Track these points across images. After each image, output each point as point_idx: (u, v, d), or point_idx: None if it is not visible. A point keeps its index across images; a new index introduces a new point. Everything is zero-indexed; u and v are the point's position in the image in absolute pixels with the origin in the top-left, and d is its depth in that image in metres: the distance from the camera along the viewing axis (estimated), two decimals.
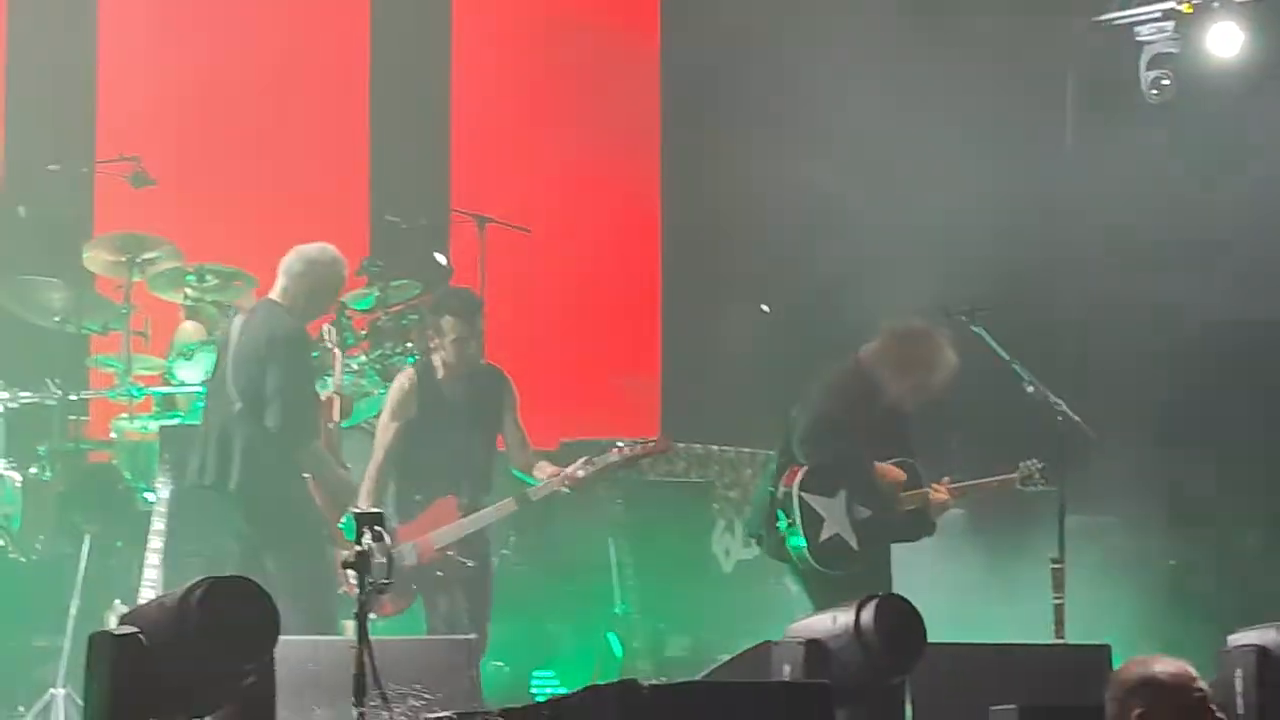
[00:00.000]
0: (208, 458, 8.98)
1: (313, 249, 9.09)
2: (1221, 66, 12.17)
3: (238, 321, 9.14)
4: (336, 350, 9.79)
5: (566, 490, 9.21)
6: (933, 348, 9.14)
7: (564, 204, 13.02)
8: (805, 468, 9.04)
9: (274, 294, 9.07)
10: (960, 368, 9.23)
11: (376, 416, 9.61)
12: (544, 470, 9.31)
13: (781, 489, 9.09)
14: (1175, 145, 12.27)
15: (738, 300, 13.19)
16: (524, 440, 9.44)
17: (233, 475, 8.87)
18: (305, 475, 8.91)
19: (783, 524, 9.07)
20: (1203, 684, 5.31)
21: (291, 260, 9.04)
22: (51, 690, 9.03)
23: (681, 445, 11.55)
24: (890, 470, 9.11)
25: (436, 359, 9.37)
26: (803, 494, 9.03)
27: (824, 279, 12.22)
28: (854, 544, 9.06)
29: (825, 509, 9.06)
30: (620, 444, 9.38)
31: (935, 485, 9.23)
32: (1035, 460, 9.30)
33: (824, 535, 9.03)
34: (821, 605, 8.19)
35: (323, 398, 9.42)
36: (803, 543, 9.01)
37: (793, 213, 12.58)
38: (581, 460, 9.29)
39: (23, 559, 9.77)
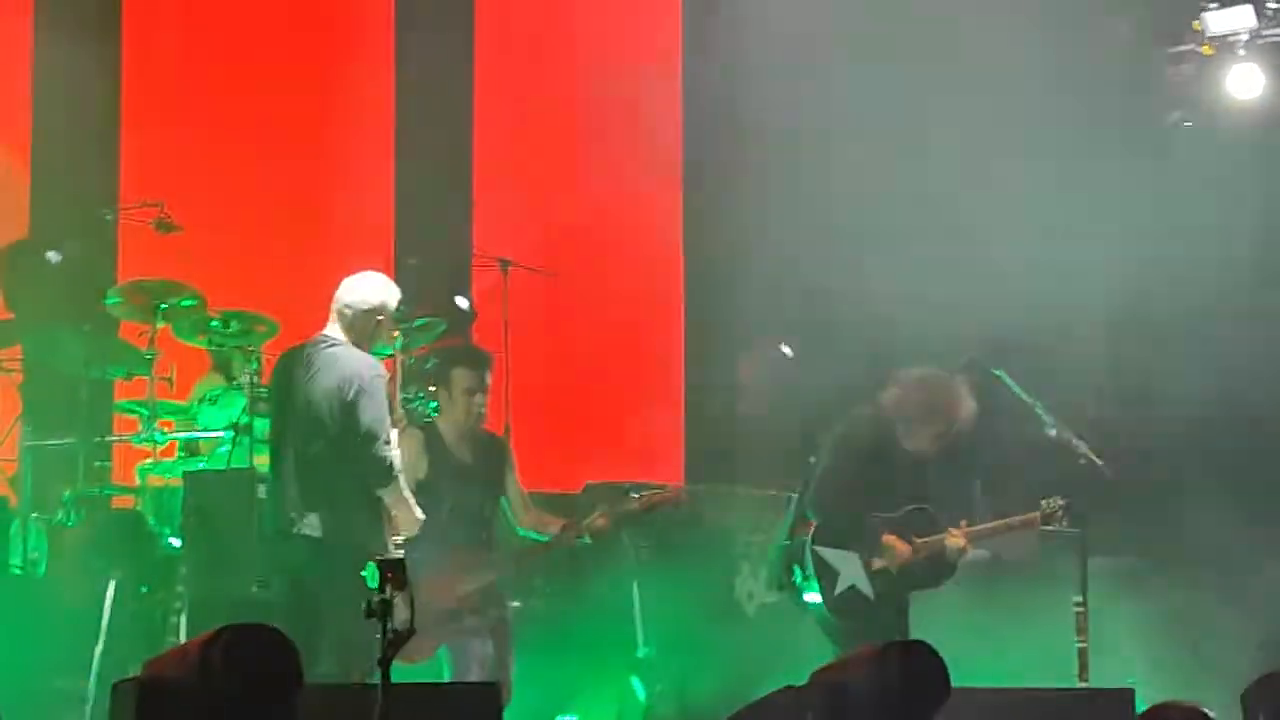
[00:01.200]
0: (285, 502, 8.73)
1: (360, 279, 8.89)
2: (1243, 108, 12.20)
3: (302, 360, 8.81)
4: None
5: (588, 541, 9.29)
6: (952, 396, 9.14)
7: (586, 246, 13.05)
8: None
9: (332, 330, 8.81)
10: (980, 412, 9.22)
11: None
12: (554, 525, 9.39)
13: (796, 540, 9.10)
14: (1199, 183, 12.28)
15: (761, 342, 13.21)
16: (526, 499, 9.51)
17: (317, 519, 8.62)
18: (384, 511, 8.69)
19: (798, 577, 9.08)
20: None
21: (345, 293, 8.82)
22: None
23: (704, 487, 11.57)
24: (895, 543, 9.09)
25: (443, 418, 9.42)
26: (816, 548, 9.04)
27: (848, 320, 12.23)
28: (870, 595, 9.06)
29: (839, 561, 9.06)
30: (632, 493, 9.46)
31: (953, 531, 9.20)
32: (1057, 498, 9.22)
33: (840, 588, 9.04)
34: (843, 650, 8.19)
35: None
36: (818, 596, 9.02)
37: (815, 254, 12.59)
38: (599, 511, 9.36)
39: (47, 604, 9.79)
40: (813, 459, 9.24)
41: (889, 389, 9.20)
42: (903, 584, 9.14)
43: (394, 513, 8.71)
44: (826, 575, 9.03)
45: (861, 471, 9.09)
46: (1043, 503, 9.25)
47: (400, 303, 9.07)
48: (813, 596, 9.07)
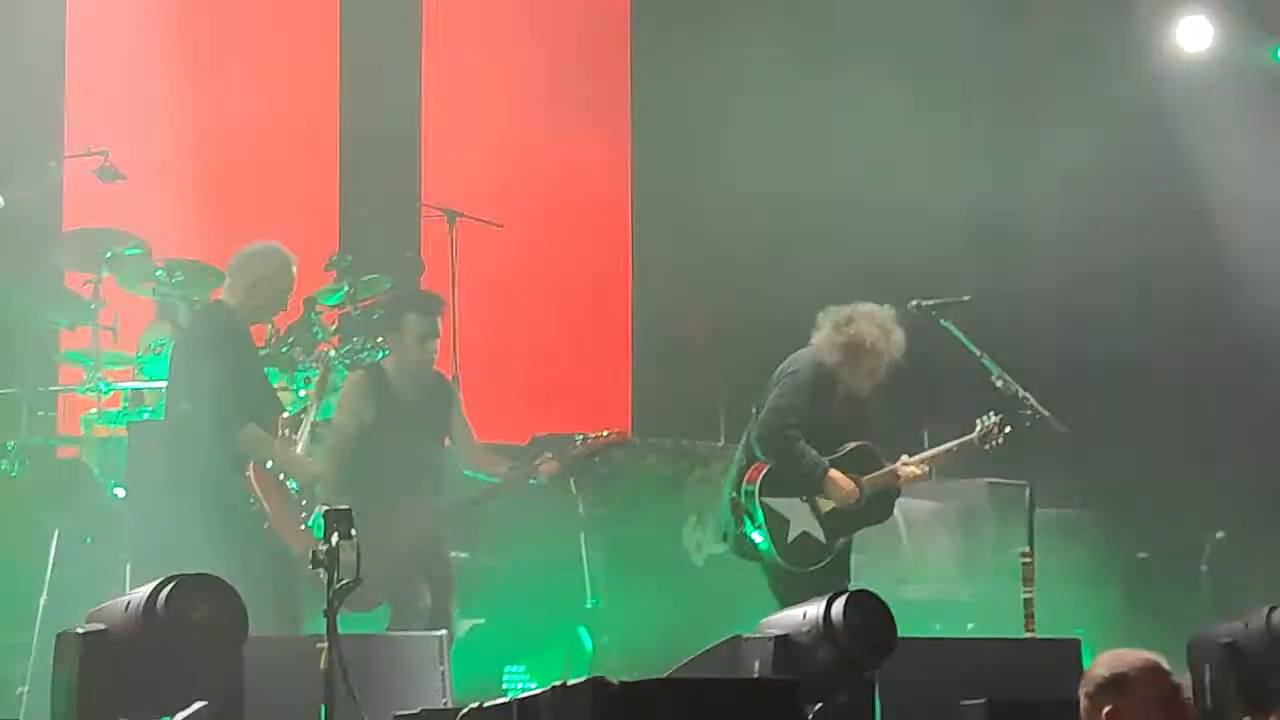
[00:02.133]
0: (167, 456, 8.89)
1: (255, 246, 9.01)
2: (1192, 59, 12.22)
3: (186, 321, 9.14)
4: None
5: (536, 481, 9.32)
6: (879, 330, 9.12)
7: (535, 199, 13.01)
8: (766, 469, 9.06)
9: (222, 293, 9.04)
10: (924, 355, 9.24)
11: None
12: (501, 466, 9.41)
13: (744, 489, 9.10)
14: (1150, 135, 12.32)
15: (708, 295, 13.20)
16: (473, 439, 9.55)
17: (187, 473, 8.69)
18: (247, 474, 8.64)
19: (748, 527, 9.07)
20: (1173, 677, 5.32)
21: (234, 259, 8.98)
22: (20, 688, 9.01)
23: (653, 440, 11.55)
24: (842, 482, 9.10)
25: (391, 359, 9.41)
26: (765, 499, 9.04)
27: (796, 273, 12.22)
28: (823, 539, 9.09)
29: (788, 509, 9.07)
30: (579, 438, 9.50)
31: (904, 459, 9.23)
32: (991, 414, 9.25)
33: (792, 535, 9.05)
34: (787, 599, 8.21)
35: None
36: (769, 546, 9.02)
37: (764, 207, 12.58)
38: (546, 455, 9.40)
39: None
40: (754, 409, 9.24)
41: (818, 330, 9.20)
42: (852, 522, 9.16)
43: (258, 460, 8.67)
44: (777, 524, 9.03)
45: (802, 412, 9.09)
46: (978, 421, 9.27)
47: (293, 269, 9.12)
48: (763, 543, 9.06)
